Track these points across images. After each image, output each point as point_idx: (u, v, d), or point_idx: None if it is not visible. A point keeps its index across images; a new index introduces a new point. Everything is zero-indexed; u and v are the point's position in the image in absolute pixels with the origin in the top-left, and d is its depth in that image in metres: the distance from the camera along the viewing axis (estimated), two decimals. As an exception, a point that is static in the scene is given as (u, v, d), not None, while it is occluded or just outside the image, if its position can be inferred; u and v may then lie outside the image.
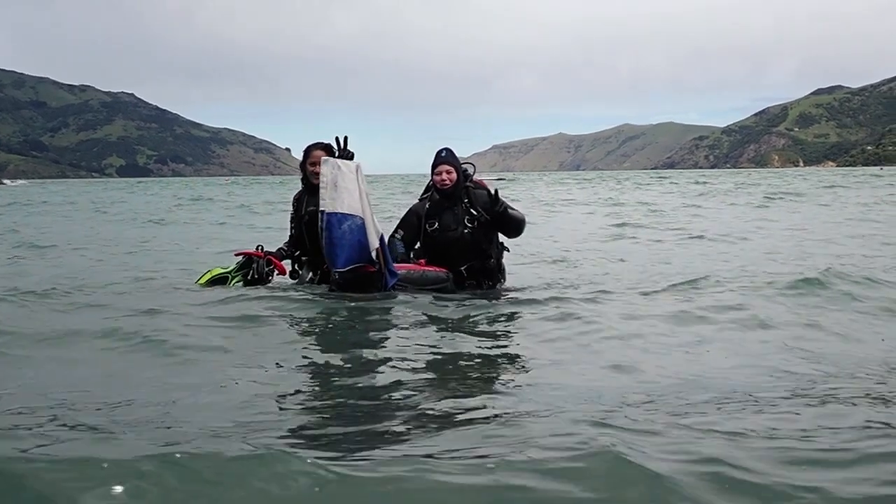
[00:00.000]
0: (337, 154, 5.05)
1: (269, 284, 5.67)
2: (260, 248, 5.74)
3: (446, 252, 5.49)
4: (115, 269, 7.70)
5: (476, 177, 5.72)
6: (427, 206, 5.59)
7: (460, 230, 5.47)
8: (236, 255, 5.88)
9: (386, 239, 5.04)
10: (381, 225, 5.04)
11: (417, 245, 5.61)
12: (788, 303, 5.04)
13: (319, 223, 4.87)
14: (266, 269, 5.64)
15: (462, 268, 5.50)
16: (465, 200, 5.51)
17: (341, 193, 4.83)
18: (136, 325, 4.14)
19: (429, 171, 5.58)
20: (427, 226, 5.54)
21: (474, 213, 5.47)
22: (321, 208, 4.86)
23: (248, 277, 5.64)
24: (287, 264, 5.82)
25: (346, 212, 4.82)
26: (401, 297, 5.05)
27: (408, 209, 5.75)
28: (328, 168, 4.89)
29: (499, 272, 5.68)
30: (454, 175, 5.49)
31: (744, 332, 4.21)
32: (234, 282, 5.67)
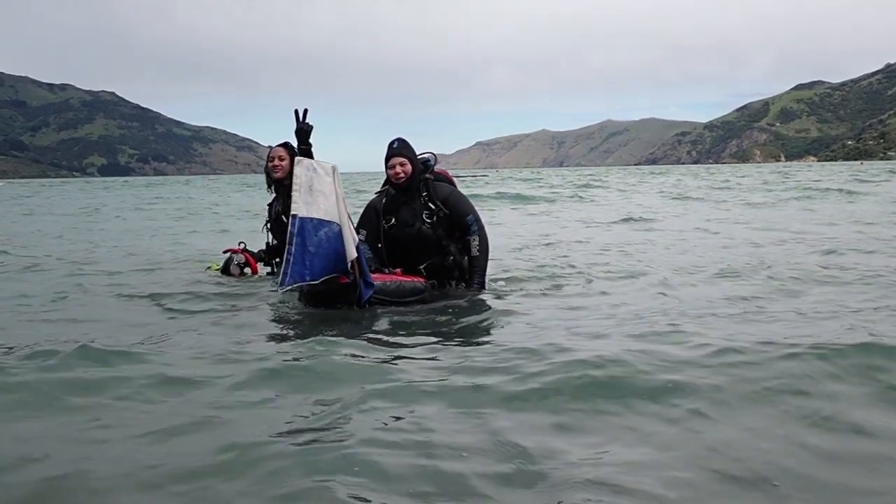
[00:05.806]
0: (296, 126, 4.75)
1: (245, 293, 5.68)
2: (242, 244, 6.43)
3: (405, 250, 5.14)
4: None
5: (438, 167, 5.35)
6: (384, 200, 5.23)
7: (417, 225, 5.11)
8: (224, 252, 6.56)
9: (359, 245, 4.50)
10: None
11: (380, 245, 5.21)
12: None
13: (290, 227, 4.35)
14: (235, 262, 6.24)
15: (421, 266, 5.13)
16: (424, 194, 5.16)
17: (317, 198, 4.37)
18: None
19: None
20: (384, 222, 5.18)
21: (432, 206, 5.13)
22: (293, 212, 4.35)
23: (221, 270, 6.35)
24: (264, 270, 6.35)
25: (323, 217, 4.36)
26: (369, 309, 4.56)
27: (366, 205, 5.38)
28: (302, 169, 4.41)
29: (460, 270, 5.22)
30: (408, 167, 5.10)
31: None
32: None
